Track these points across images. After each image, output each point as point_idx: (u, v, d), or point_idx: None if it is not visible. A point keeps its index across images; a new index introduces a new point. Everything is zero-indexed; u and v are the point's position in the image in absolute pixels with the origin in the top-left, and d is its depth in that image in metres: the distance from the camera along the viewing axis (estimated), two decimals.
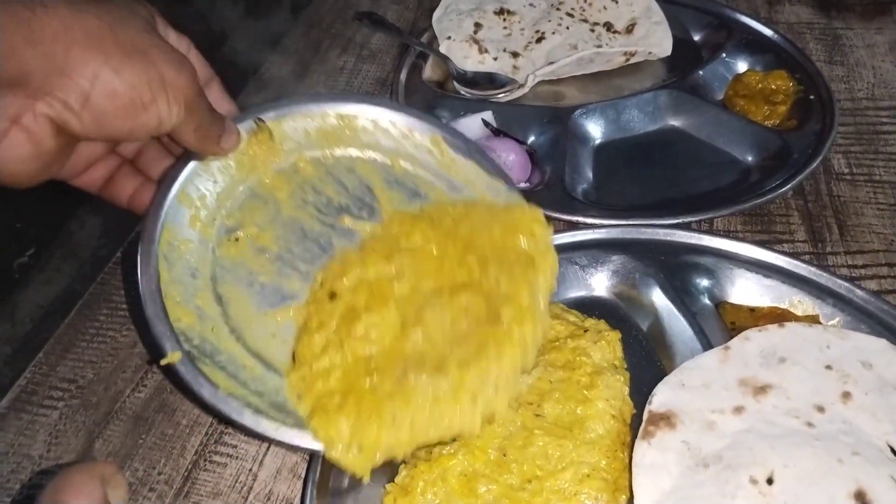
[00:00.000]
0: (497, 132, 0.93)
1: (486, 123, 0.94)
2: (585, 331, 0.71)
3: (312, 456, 0.64)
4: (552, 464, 0.62)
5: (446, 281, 0.62)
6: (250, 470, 0.68)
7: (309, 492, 0.61)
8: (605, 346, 0.70)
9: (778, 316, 0.72)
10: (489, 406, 0.57)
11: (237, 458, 0.69)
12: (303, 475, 0.67)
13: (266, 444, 0.70)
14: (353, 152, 0.68)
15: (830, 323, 0.71)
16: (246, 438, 0.70)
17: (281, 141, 0.65)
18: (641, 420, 0.62)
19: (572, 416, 0.65)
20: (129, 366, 0.78)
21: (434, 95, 1.04)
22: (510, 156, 0.90)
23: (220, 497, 0.67)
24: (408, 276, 0.62)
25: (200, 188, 0.62)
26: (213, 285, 0.61)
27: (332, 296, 0.62)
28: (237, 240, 0.63)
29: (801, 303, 0.73)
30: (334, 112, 0.67)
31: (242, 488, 0.67)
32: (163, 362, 0.55)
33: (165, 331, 0.56)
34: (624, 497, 0.61)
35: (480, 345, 0.58)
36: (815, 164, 0.88)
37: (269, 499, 0.66)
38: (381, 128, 0.69)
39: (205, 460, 0.69)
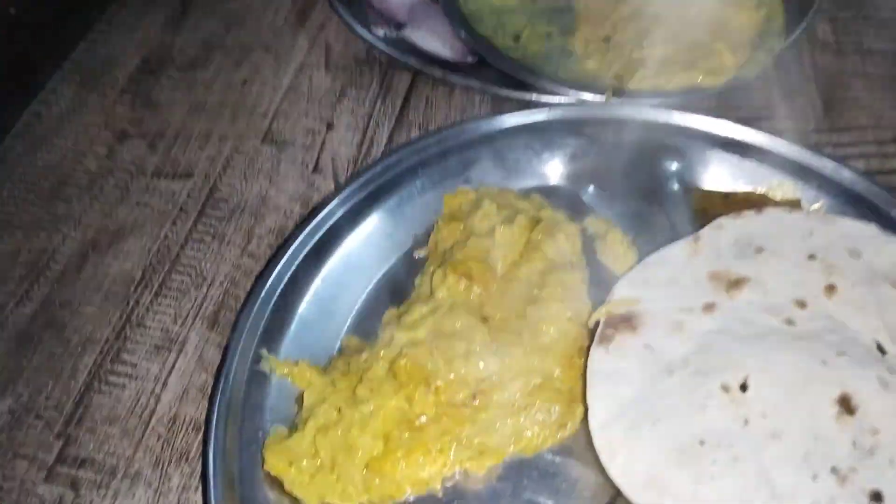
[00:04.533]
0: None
1: None
2: (538, 221, 0.62)
3: (220, 371, 0.55)
4: (499, 374, 0.54)
5: None
6: (153, 391, 0.59)
7: (216, 410, 0.52)
8: (563, 240, 0.61)
9: (755, 202, 0.64)
10: None
11: (137, 378, 0.60)
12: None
13: (171, 362, 0.60)
14: None
15: (813, 207, 0.63)
16: (147, 356, 0.61)
17: None
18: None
19: (521, 319, 0.57)
20: (12, 277, 0.67)
21: None
22: (447, 26, 0.78)
23: (118, 422, 0.58)
24: None
25: None
26: None
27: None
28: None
29: (781, 186, 0.64)
30: None
31: (144, 412, 0.58)
32: None
33: None
34: (580, 409, 0.53)
35: None
36: (798, 32, 0.77)
37: (174, 422, 0.58)
38: None
39: (99, 382, 0.60)
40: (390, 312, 0.59)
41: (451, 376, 0.53)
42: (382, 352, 0.54)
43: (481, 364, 0.53)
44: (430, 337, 0.54)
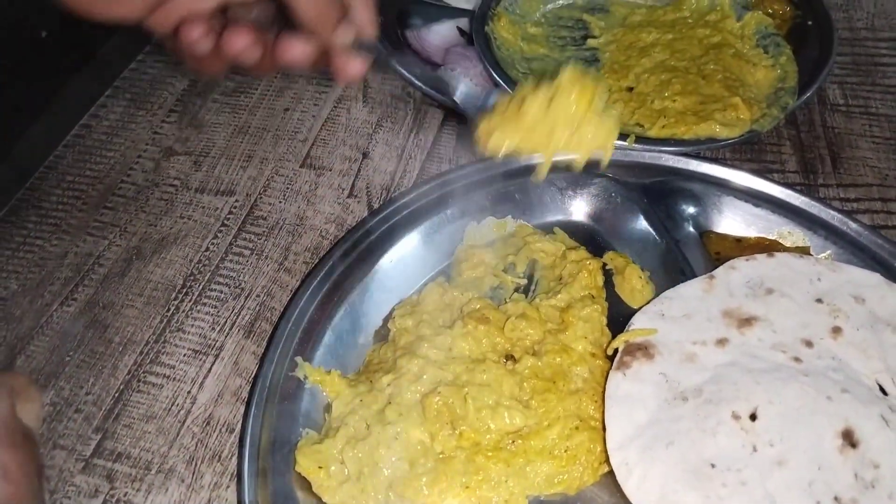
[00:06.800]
0: (472, 40, 0.85)
1: (461, 31, 0.86)
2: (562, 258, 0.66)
3: (258, 374, 0.58)
4: (535, 420, 0.55)
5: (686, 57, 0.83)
6: (189, 392, 0.62)
7: (252, 415, 0.56)
8: (586, 277, 0.65)
9: (765, 247, 0.68)
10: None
11: (175, 379, 0.63)
12: (246, 399, 0.61)
13: (208, 366, 0.63)
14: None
15: (821, 255, 0.66)
16: (184, 360, 0.64)
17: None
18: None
19: (553, 367, 0.58)
20: (58, 278, 0.70)
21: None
22: (479, 69, 0.83)
23: (154, 420, 0.61)
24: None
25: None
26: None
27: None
28: None
29: (791, 234, 0.68)
30: None
31: (179, 412, 0.61)
32: None
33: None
34: None
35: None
36: (809, 94, 0.82)
37: (208, 423, 0.60)
38: None
39: (138, 381, 0.63)
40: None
41: (478, 424, 0.54)
42: (413, 386, 0.56)
43: (507, 419, 0.55)
44: (464, 380, 0.56)
